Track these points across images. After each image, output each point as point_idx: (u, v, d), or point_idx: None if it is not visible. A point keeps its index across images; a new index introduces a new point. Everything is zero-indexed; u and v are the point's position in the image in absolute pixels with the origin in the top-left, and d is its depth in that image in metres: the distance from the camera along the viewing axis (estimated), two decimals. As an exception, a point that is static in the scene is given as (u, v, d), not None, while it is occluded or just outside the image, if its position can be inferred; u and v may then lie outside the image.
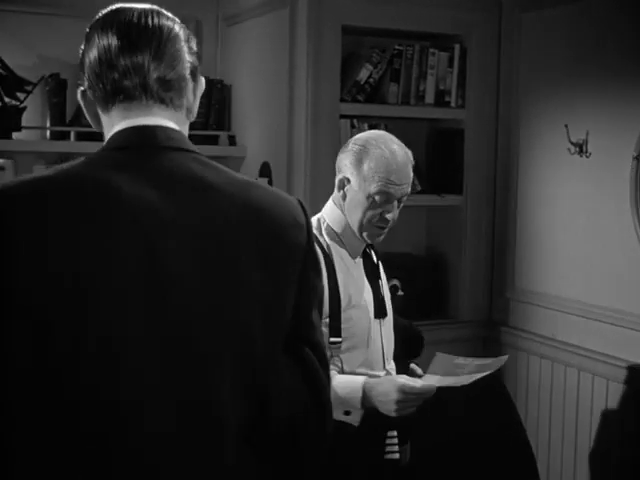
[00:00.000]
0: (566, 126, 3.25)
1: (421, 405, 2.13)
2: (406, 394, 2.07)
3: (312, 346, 1.40)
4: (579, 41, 3.24)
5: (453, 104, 3.61)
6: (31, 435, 1.22)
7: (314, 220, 2.28)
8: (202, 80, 1.44)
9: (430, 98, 3.56)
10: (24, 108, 3.41)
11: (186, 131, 1.42)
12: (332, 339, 2.20)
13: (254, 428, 1.33)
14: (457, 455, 3.43)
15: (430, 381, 2.09)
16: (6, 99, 3.39)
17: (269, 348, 1.33)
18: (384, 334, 2.30)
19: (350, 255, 2.27)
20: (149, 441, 1.24)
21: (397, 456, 2.29)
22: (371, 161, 2.19)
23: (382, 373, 2.15)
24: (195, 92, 1.41)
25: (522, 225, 3.55)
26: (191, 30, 4.16)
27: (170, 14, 1.41)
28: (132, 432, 1.23)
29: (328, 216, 2.30)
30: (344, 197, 2.25)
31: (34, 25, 3.54)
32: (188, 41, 1.39)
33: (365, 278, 2.28)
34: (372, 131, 2.33)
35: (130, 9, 1.37)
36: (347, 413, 2.15)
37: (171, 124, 1.37)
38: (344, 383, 2.14)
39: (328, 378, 1.43)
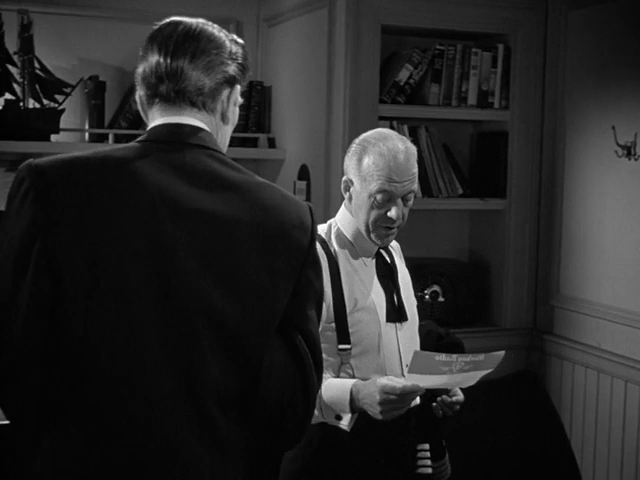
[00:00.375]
0: (613, 128, 3.14)
1: (408, 406, 2.04)
2: (388, 395, 1.98)
3: (304, 335, 1.53)
4: (628, 40, 3.13)
5: (497, 105, 3.52)
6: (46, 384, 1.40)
7: (325, 225, 2.26)
8: (237, 88, 1.57)
9: (473, 99, 3.48)
10: (63, 110, 3.42)
11: (224, 134, 1.59)
12: (341, 346, 2.13)
13: (244, 398, 1.49)
14: (499, 467, 3.34)
15: (414, 381, 1.99)
16: (45, 101, 3.41)
17: (264, 328, 1.48)
18: (402, 339, 2.20)
19: (361, 257, 2.21)
20: (148, 396, 1.41)
21: (429, 471, 2.21)
22: (369, 159, 2.13)
23: (400, 380, 2.07)
24: (229, 98, 1.56)
25: (567, 230, 3.44)
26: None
27: (216, 26, 1.60)
28: (135, 383, 1.40)
29: (339, 220, 2.25)
30: (350, 199, 2.20)
31: (73, 27, 3.56)
32: (230, 51, 1.55)
33: (377, 280, 2.21)
34: (375, 130, 2.25)
35: (177, 22, 1.58)
36: (338, 418, 2.08)
37: (200, 124, 1.52)
38: (335, 386, 2.08)
39: (318, 369, 1.56)
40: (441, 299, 3.52)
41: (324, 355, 1.98)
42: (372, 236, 2.18)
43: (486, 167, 3.64)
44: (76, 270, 1.38)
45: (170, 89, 1.50)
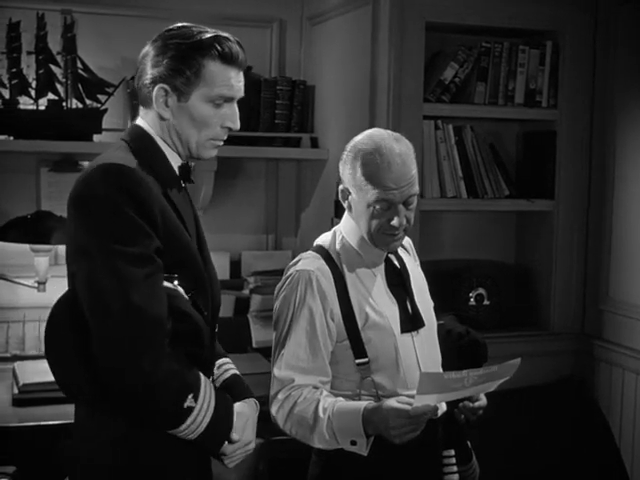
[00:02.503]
0: (666, 127, 3.05)
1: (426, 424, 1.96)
2: (400, 419, 1.91)
3: None
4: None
5: (544, 104, 3.44)
6: None
7: (329, 234, 2.18)
8: (155, 87, 1.80)
9: (520, 98, 3.40)
10: (105, 110, 3.41)
11: (176, 128, 1.81)
12: (358, 360, 2.06)
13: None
14: (544, 475, 3.26)
15: (424, 401, 1.90)
16: (87, 101, 3.40)
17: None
18: (420, 348, 2.12)
19: (369, 267, 2.12)
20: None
21: (456, 477, 2.16)
22: (362, 168, 2.02)
23: (410, 401, 1.94)
24: (157, 97, 1.80)
25: (617, 232, 3.34)
26: (274, 30, 4.08)
27: (190, 30, 1.80)
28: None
29: (344, 228, 2.15)
30: (350, 208, 2.11)
31: (116, 27, 3.54)
32: (156, 55, 1.79)
33: (387, 290, 2.12)
34: (365, 132, 2.14)
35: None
36: (353, 443, 1.98)
37: (140, 119, 1.86)
38: (345, 412, 1.99)
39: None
40: (486, 302, 3.46)
41: (344, 374, 2.06)
42: (377, 243, 2.09)
43: (533, 167, 3.56)
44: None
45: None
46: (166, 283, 1.71)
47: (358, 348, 2.05)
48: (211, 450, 1.81)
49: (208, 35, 1.80)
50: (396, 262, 2.17)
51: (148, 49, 1.82)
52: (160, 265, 1.69)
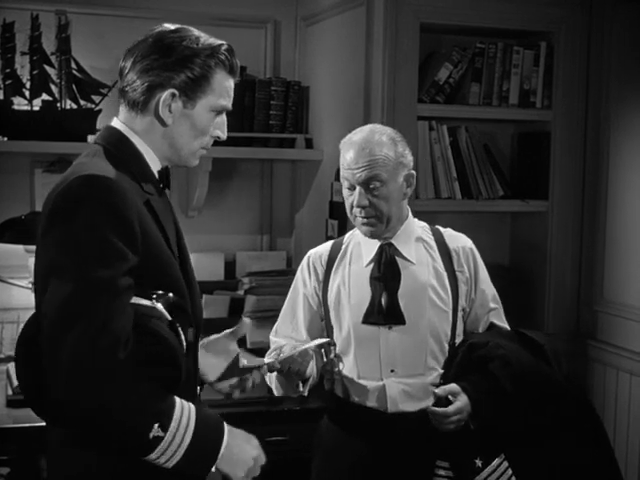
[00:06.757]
0: (660, 127, 3.05)
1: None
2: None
3: None
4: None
5: (539, 105, 3.44)
6: None
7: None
8: (170, 92, 1.71)
9: (514, 98, 3.40)
10: (99, 111, 3.41)
11: (166, 135, 1.74)
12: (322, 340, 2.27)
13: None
14: (539, 474, 3.25)
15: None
16: (82, 102, 3.40)
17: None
18: (390, 343, 2.21)
19: (362, 257, 2.29)
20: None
21: None
22: (341, 153, 2.25)
23: (379, 383, 2.17)
24: (163, 101, 1.72)
25: (612, 232, 3.34)
26: (269, 30, 4.05)
27: (191, 33, 1.74)
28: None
29: None
30: None
31: (111, 28, 3.54)
32: (180, 58, 1.71)
33: (367, 282, 2.25)
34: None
35: (154, 28, 1.78)
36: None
37: (118, 122, 1.77)
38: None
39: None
40: (481, 303, 3.45)
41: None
42: (357, 228, 2.28)
43: (528, 168, 3.56)
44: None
45: (119, 87, 1.75)
46: (144, 301, 1.63)
47: (327, 329, 2.30)
48: (195, 477, 1.69)
49: (217, 43, 1.74)
50: (397, 258, 2.25)
51: (141, 49, 1.71)
52: (131, 287, 1.60)
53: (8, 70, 3.31)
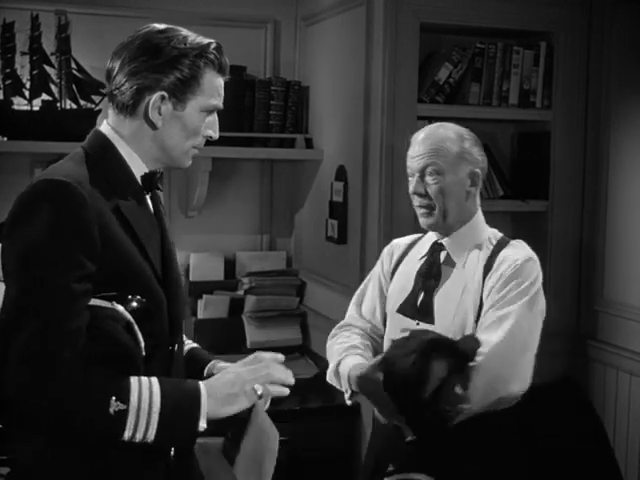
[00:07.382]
0: (660, 127, 3.05)
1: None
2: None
3: None
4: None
5: (539, 105, 3.44)
6: None
7: None
8: (154, 95, 1.70)
9: (514, 98, 3.40)
10: (99, 111, 3.41)
11: (155, 138, 1.73)
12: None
13: None
14: (539, 474, 3.25)
15: None
16: (81, 102, 3.40)
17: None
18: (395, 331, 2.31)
19: (421, 252, 2.36)
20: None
21: None
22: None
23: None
24: (153, 103, 1.71)
25: (612, 232, 3.34)
26: (269, 30, 4.04)
27: (179, 33, 1.72)
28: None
29: None
30: None
31: (111, 28, 3.54)
32: (169, 60, 1.69)
33: (413, 276, 2.32)
34: None
35: (141, 28, 1.74)
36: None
37: (106, 125, 1.76)
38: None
39: None
40: (481, 303, 3.45)
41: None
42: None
43: (528, 168, 3.56)
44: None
45: (107, 90, 1.73)
46: (104, 303, 1.61)
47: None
48: (183, 445, 1.69)
49: (205, 42, 1.72)
50: (442, 258, 2.30)
51: (128, 51, 1.69)
52: (87, 291, 1.58)
53: (8, 70, 3.32)
